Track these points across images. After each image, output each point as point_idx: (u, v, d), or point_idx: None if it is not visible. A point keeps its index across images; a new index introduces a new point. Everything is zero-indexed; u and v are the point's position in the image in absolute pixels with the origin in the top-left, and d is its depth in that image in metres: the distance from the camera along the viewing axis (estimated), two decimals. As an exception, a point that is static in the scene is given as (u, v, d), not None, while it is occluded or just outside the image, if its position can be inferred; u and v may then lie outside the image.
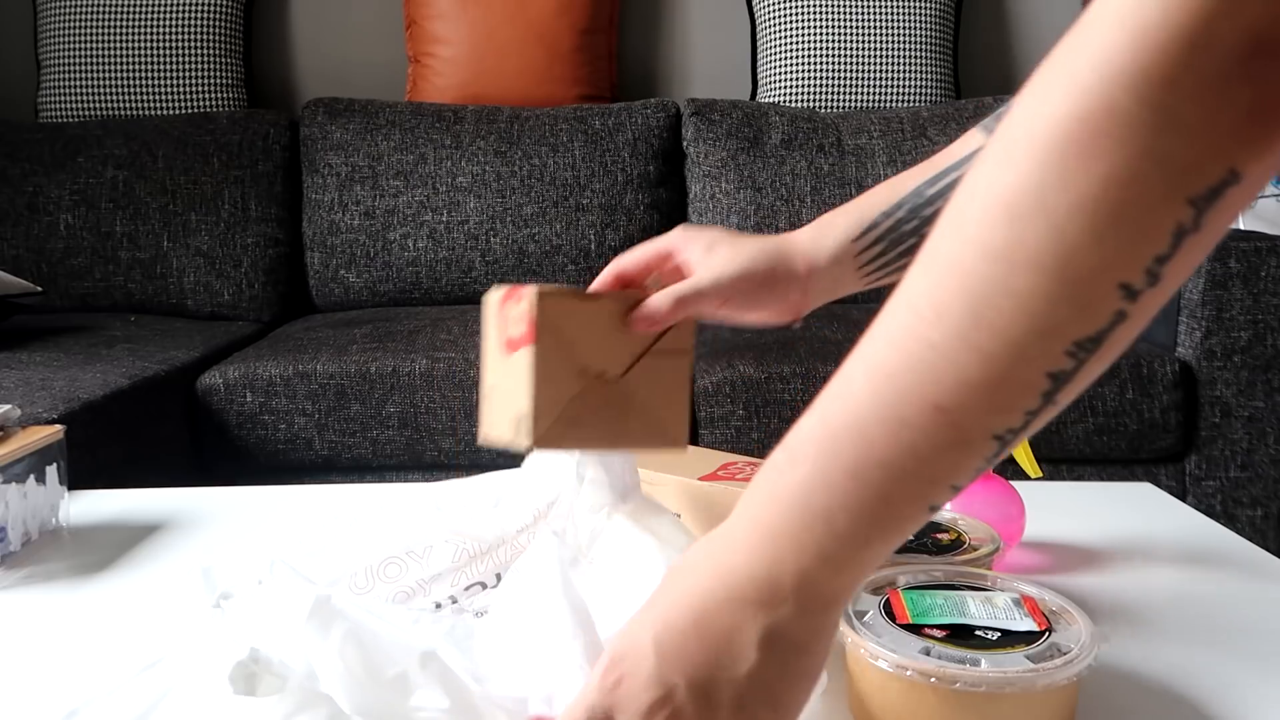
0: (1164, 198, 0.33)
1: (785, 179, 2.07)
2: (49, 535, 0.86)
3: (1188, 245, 0.34)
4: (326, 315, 2.03)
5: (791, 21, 2.27)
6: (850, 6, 2.24)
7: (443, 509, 0.71)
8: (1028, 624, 0.56)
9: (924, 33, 2.25)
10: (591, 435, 0.62)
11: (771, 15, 2.30)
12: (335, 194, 2.12)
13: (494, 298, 0.63)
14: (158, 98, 2.26)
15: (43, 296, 1.87)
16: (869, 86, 2.25)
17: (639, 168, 2.12)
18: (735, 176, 2.08)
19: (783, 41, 2.28)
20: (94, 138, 2.14)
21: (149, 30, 2.25)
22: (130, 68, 2.25)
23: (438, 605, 0.64)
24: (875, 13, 2.24)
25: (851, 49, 2.24)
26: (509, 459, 0.68)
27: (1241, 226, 2.14)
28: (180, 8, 2.25)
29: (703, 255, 0.65)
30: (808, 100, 2.26)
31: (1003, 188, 0.35)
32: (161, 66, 2.26)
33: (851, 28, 2.24)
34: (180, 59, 2.26)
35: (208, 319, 2.08)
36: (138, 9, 2.25)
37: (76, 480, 0.92)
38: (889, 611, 0.58)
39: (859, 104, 2.26)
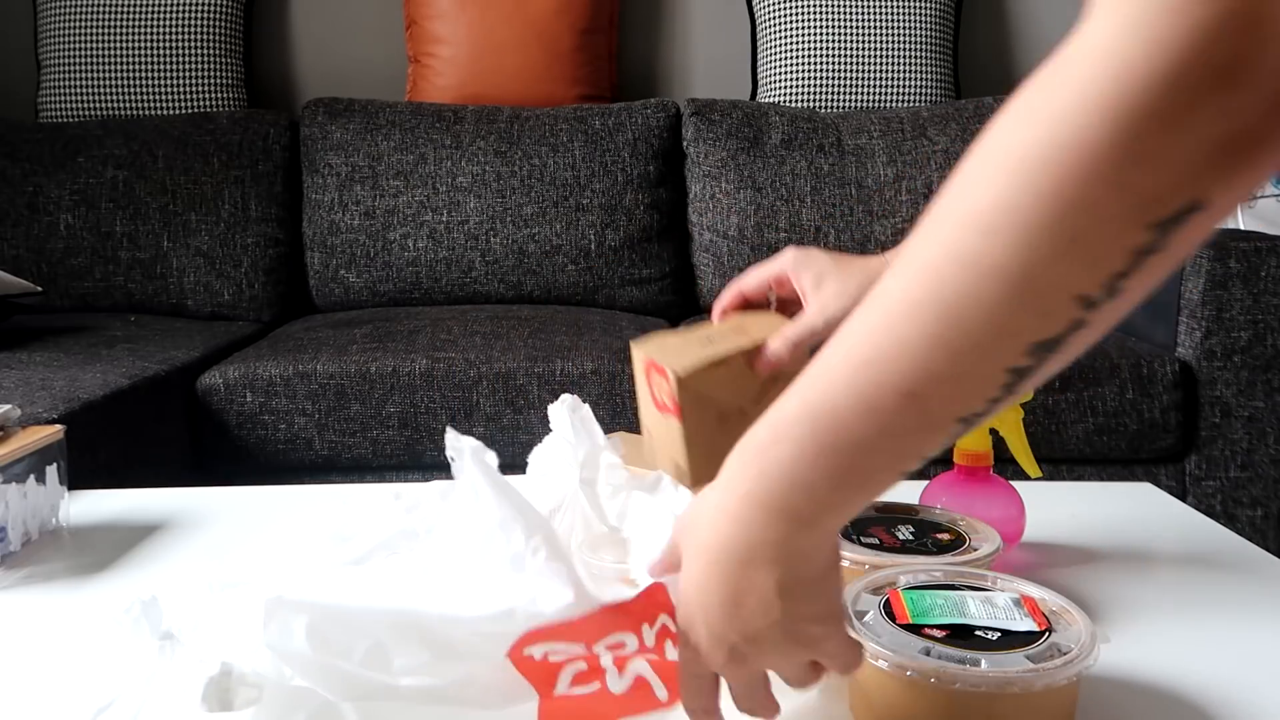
0: (1125, 224, 0.35)
1: (785, 179, 2.07)
2: (49, 535, 0.86)
3: (1150, 264, 0.37)
4: (326, 315, 2.03)
5: (791, 21, 2.27)
6: (850, 6, 2.24)
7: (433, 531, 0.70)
8: (1028, 624, 0.56)
9: (924, 33, 2.25)
10: None
11: (771, 15, 2.30)
12: (335, 194, 2.12)
13: (638, 356, 0.73)
14: (158, 98, 2.26)
15: (43, 296, 1.87)
16: (869, 86, 2.25)
17: (639, 168, 2.12)
18: (735, 176, 2.08)
19: (783, 41, 2.28)
20: (94, 138, 2.14)
21: (149, 30, 2.25)
22: (130, 68, 2.25)
23: None
24: (875, 13, 2.24)
25: (851, 49, 2.24)
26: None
27: (1241, 226, 2.14)
28: (180, 8, 2.25)
29: (812, 289, 0.73)
30: (808, 100, 2.26)
31: (976, 201, 0.38)
32: (161, 66, 2.26)
33: (851, 28, 2.24)
34: (180, 59, 2.26)
35: (208, 319, 2.08)
36: (138, 9, 2.25)
37: (76, 480, 0.92)
38: (889, 612, 0.58)
39: (859, 104, 2.26)
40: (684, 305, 2.15)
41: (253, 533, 0.88)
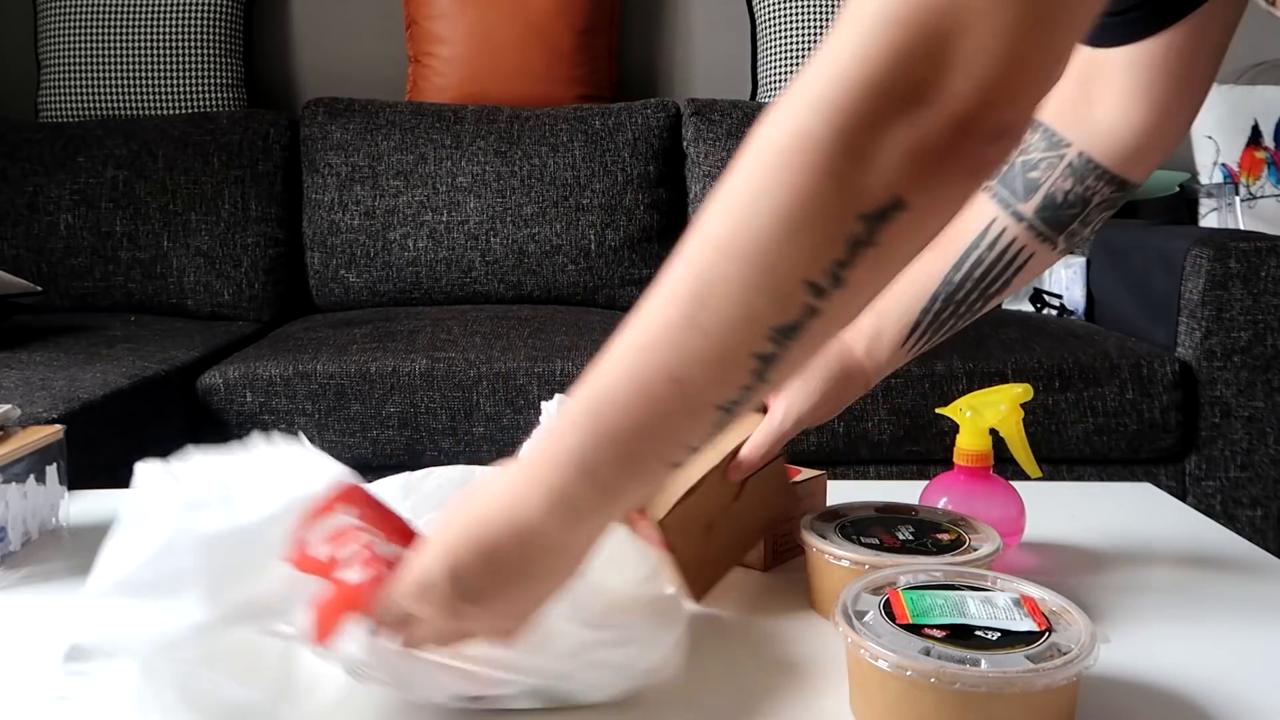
0: (839, 212, 0.40)
1: (785, 179, 2.07)
2: (49, 535, 0.86)
3: (866, 257, 0.41)
4: (326, 315, 2.03)
5: (791, 21, 2.27)
6: (850, 6, 2.24)
7: (409, 497, 0.70)
8: (1028, 624, 0.56)
9: (924, 33, 2.25)
10: (734, 555, 0.76)
11: (771, 15, 2.30)
12: (335, 194, 2.12)
13: None
14: (158, 98, 2.26)
15: (43, 296, 1.87)
16: (869, 86, 2.25)
17: (639, 168, 2.12)
18: (735, 176, 2.08)
19: (783, 41, 2.28)
20: (94, 138, 2.14)
21: (149, 30, 2.25)
22: (130, 68, 2.25)
23: None
24: (875, 13, 2.24)
25: (851, 49, 2.24)
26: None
27: (1241, 226, 2.14)
28: (180, 8, 2.25)
29: (773, 391, 0.74)
30: (808, 100, 2.26)
31: (725, 188, 0.43)
32: (161, 66, 2.26)
33: (851, 28, 2.24)
34: (180, 59, 2.26)
35: (208, 319, 2.08)
36: (138, 9, 2.25)
37: (76, 480, 0.92)
38: (889, 612, 0.58)
39: (859, 104, 2.26)
40: (684, 305, 2.15)
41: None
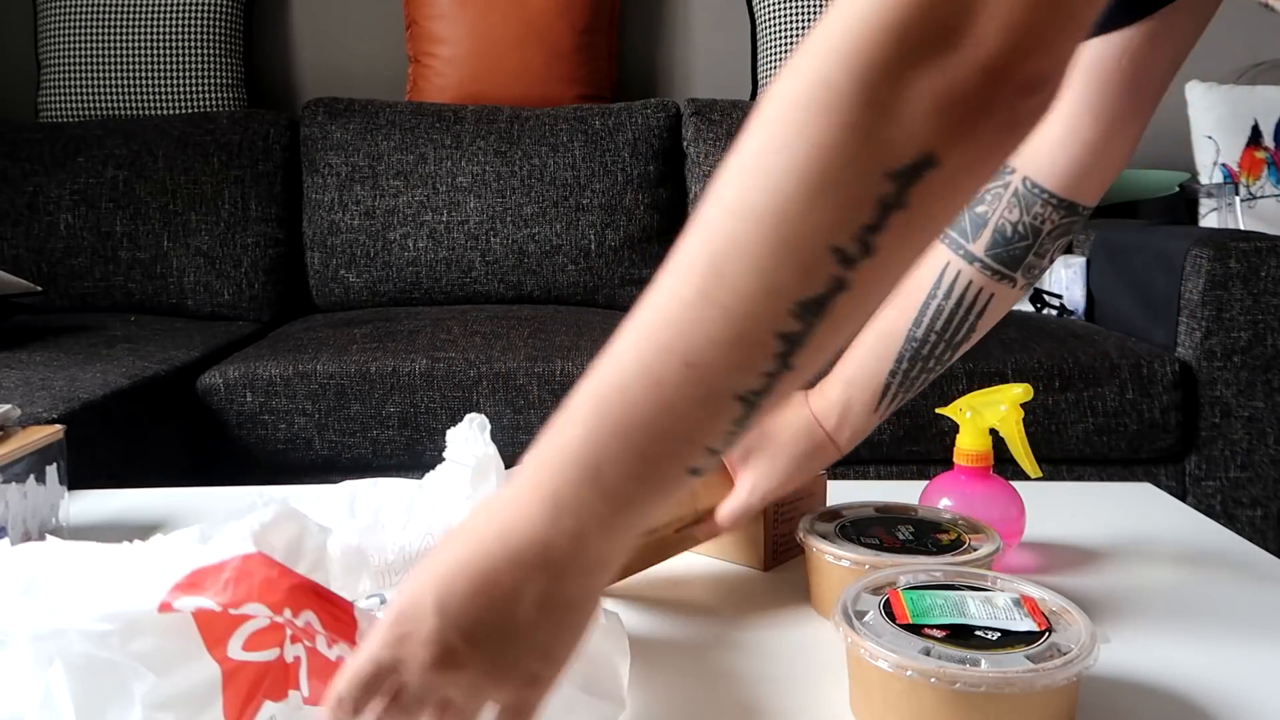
0: (866, 169, 0.37)
1: (785, 179, 2.07)
2: (49, 535, 0.86)
3: (897, 221, 0.38)
4: (326, 315, 2.03)
5: (791, 21, 2.27)
6: (850, 6, 2.24)
7: (356, 514, 0.70)
8: (1028, 624, 0.56)
9: (924, 33, 2.25)
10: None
11: (771, 15, 2.30)
12: (335, 194, 2.12)
13: None
14: (158, 98, 2.26)
15: (43, 296, 1.87)
16: (869, 86, 2.25)
17: (639, 168, 2.12)
18: (735, 176, 2.08)
19: (783, 41, 2.28)
20: (94, 138, 2.14)
21: (149, 30, 2.25)
22: (130, 68, 2.25)
23: None
24: (875, 13, 2.24)
25: (851, 49, 2.24)
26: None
27: (1241, 226, 2.14)
28: (180, 8, 2.25)
29: (740, 463, 0.73)
30: (808, 100, 2.26)
31: (740, 150, 0.39)
32: (161, 66, 2.26)
33: (851, 28, 2.24)
34: (180, 59, 2.26)
35: (208, 319, 2.08)
36: (138, 9, 2.25)
37: (76, 480, 0.92)
38: (889, 611, 0.58)
39: (859, 104, 2.26)
40: (684, 305, 2.15)
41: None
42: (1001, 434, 0.80)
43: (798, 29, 2.26)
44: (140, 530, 0.87)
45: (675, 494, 0.43)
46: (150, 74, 2.25)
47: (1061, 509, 0.92)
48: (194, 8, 2.26)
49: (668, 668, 0.64)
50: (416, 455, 1.61)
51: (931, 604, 0.58)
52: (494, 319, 1.82)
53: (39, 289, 1.77)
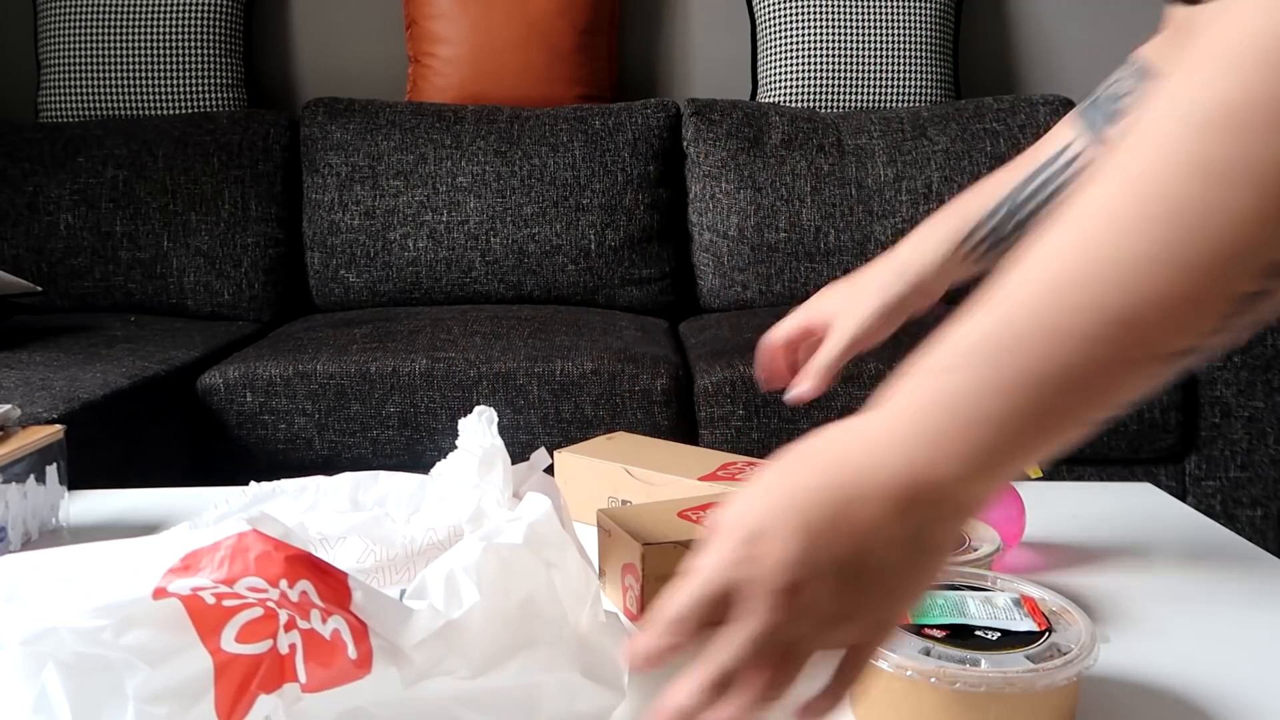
0: None
1: (785, 179, 2.07)
2: (49, 535, 0.86)
3: None
4: (326, 315, 2.03)
5: (791, 21, 2.27)
6: (850, 6, 2.24)
7: (359, 507, 0.70)
8: (1028, 624, 0.56)
9: (924, 33, 2.25)
10: None
11: (771, 15, 2.30)
12: (335, 194, 2.12)
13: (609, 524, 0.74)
14: (158, 98, 2.26)
15: (43, 296, 1.87)
16: (869, 86, 2.25)
17: (639, 168, 2.12)
18: (735, 176, 2.08)
19: (783, 41, 2.28)
20: (94, 138, 2.14)
21: (149, 30, 2.25)
22: (130, 68, 2.25)
23: None
24: (875, 13, 2.24)
25: (851, 49, 2.24)
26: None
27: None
28: (180, 8, 2.25)
29: (837, 312, 0.77)
30: (808, 100, 2.26)
31: (1221, 101, 0.34)
32: (161, 66, 2.26)
33: (851, 28, 2.24)
34: (180, 59, 2.26)
35: (208, 319, 2.08)
36: (138, 9, 2.25)
37: (76, 480, 0.92)
38: (889, 611, 0.58)
39: (859, 104, 2.26)
40: (684, 305, 2.15)
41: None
42: None
43: (798, 29, 2.26)
44: (140, 530, 0.87)
45: (1065, 443, 0.40)
46: (150, 74, 2.25)
47: (1061, 509, 0.92)
48: (194, 8, 2.26)
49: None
50: (416, 455, 1.61)
51: (931, 604, 0.58)
52: (494, 319, 1.82)
53: (39, 289, 1.77)
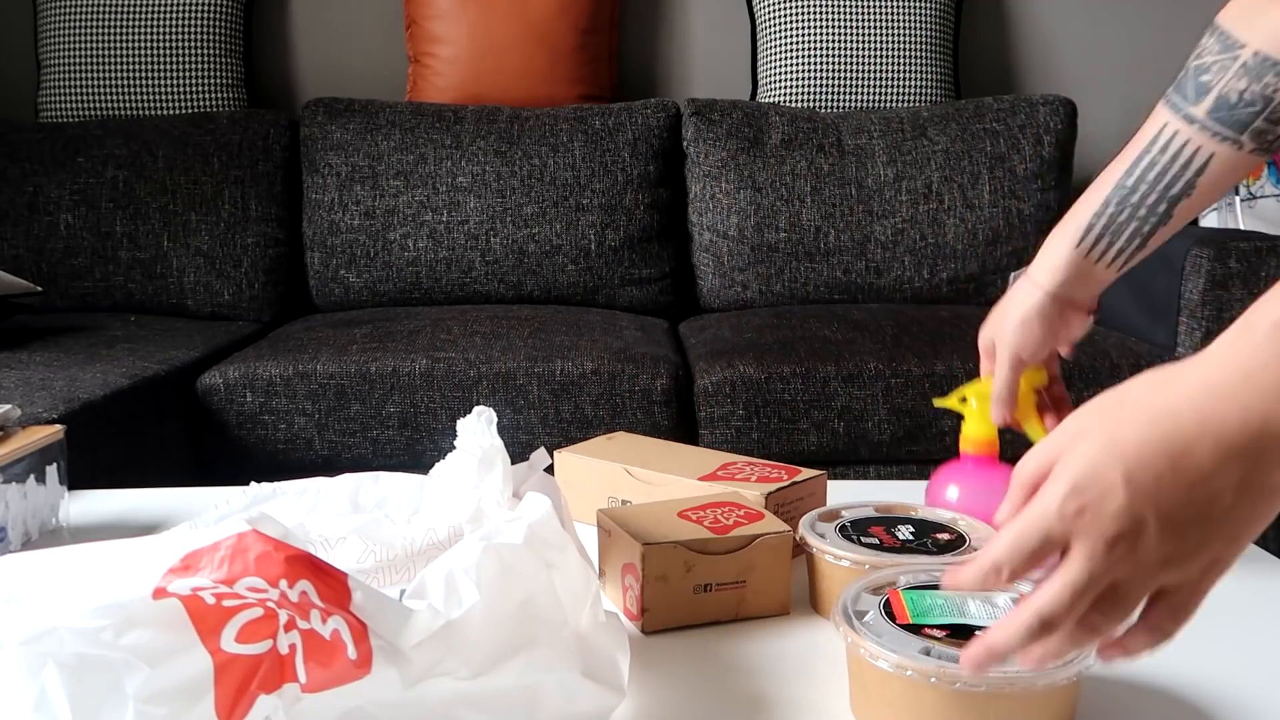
0: None
1: (785, 179, 2.07)
2: (49, 535, 0.86)
3: None
4: (326, 315, 2.03)
5: (791, 21, 2.27)
6: (850, 6, 2.24)
7: (359, 508, 0.70)
8: (1028, 624, 0.56)
9: (924, 33, 2.25)
10: (707, 610, 0.72)
11: (771, 15, 2.30)
12: (335, 194, 2.12)
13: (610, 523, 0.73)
14: (158, 98, 2.26)
15: (43, 296, 1.87)
16: (869, 86, 2.25)
17: (639, 168, 2.12)
18: (735, 176, 2.08)
19: (783, 41, 2.28)
20: (94, 138, 2.14)
21: (149, 30, 2.25)
22: (130, 68, 2.25)
23: None
24: (875, 13, 2.24)
25: (851, 49, 2.24)
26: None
27: (1241, 226, 2.14)
28: (180, 8, 2.25)
29: (993, 339, 0.81)
30: (808, 100, 2.26)
31: None
32: (161, 66, 2.26)
33: (851, 28, 2.24)
34: (180, 59, 2.26)
35: (208, 319, 2.08)
36: (138, 9, 2.25)
37: (76, 480, 0.92)
38: (889, 611, 0.58)
39: (859, 104, 2.26)
40: (684, 305, 2.15)
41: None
42: (1017, 418, 0.81)
43: (798, 29, 2.26)
44: (140, 530, 0.87)
45: None
46: (150, 74, 2.25)
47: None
48: (194, 8, 2.26)
49: (667, 667, 0.64)
50: (416, 455, 1.61)
51: (931, 604, 0.58)
52: (494, 319, 1.82)
53: (39, 289, 1.77)
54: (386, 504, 0.71)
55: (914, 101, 2.25)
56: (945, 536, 0.72)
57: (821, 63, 2.25)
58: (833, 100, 2.26)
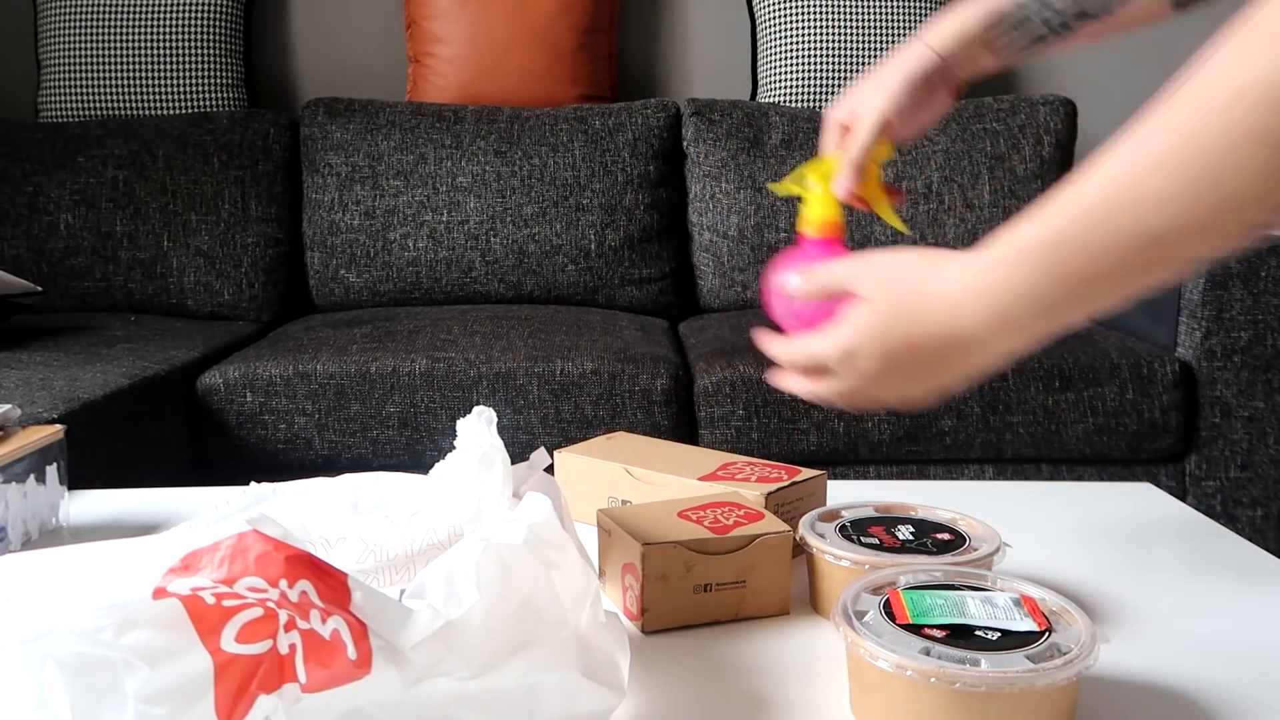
0: None
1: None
2: (49, 535, 0.86)
3: None
4: (326, 315, 2.03)
5: (791, 21, 2.27)
6: (850, 6, 2.24)
7: (359, 509, 0.70)
8: (1028, 624, 0.56)
9: (924, 33, 2.25)
10: (707, 610, 0.72)
11: (771, 15, 2.30)
12: (335, 194, 2.12)
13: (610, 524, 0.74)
14: (158, 98, 2.26)
15: (43, 296, 1.87)
16: (869, 86, 2.25)
17: (639, 168, 2.12)
18: (735, 176, 2.08)
19: (783, 41, 2.28)
20: (94, 138, 2.14)
21: (149, 30, 2.25)
22: (130, 68, 2.25)
23: None
24: (875, 13, 2.24)
25: (851, 49, 2.24)
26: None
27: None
28: (180, 8, 2.25)
29: (863, 100, 0.79)
30: (808, 100, 2.26)
31: (1252, 75, 0.42)
32: (161, 66, 2.26)
33: (851, 28, 2.24)
34: (180, 59, 2.26)
35: (208, 319, 2.08)
36: (138, 9, 2.25)
37: (76, 480, 0.92)
38: (889, 611, 0.58)
39: (859, 104, 2.25)
40: (684, 305, 2.15)
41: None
42: (864, 195, 0.80)
43: (798, 29, 2.26)
44: (140, 530, 0.87)
45: (1105, 310, 0.53)
46: (150, 74, 2.25)
47: (1061, 509, 0.92)
48: (194, 8, 2.26)
49: (667, 667, 0.64)
50: (416, 455, 1.61)
51: (931, 604, 0.58)
52: (494, 319, 1.82)
53: (39, 289, 1.77)
54: (386, 504, 0.70)
55: (914, 101, 2.25)
56: (945, 536, 0.72)
57: (821, 63, 2.25)
58: (832, 100, 2.25)
